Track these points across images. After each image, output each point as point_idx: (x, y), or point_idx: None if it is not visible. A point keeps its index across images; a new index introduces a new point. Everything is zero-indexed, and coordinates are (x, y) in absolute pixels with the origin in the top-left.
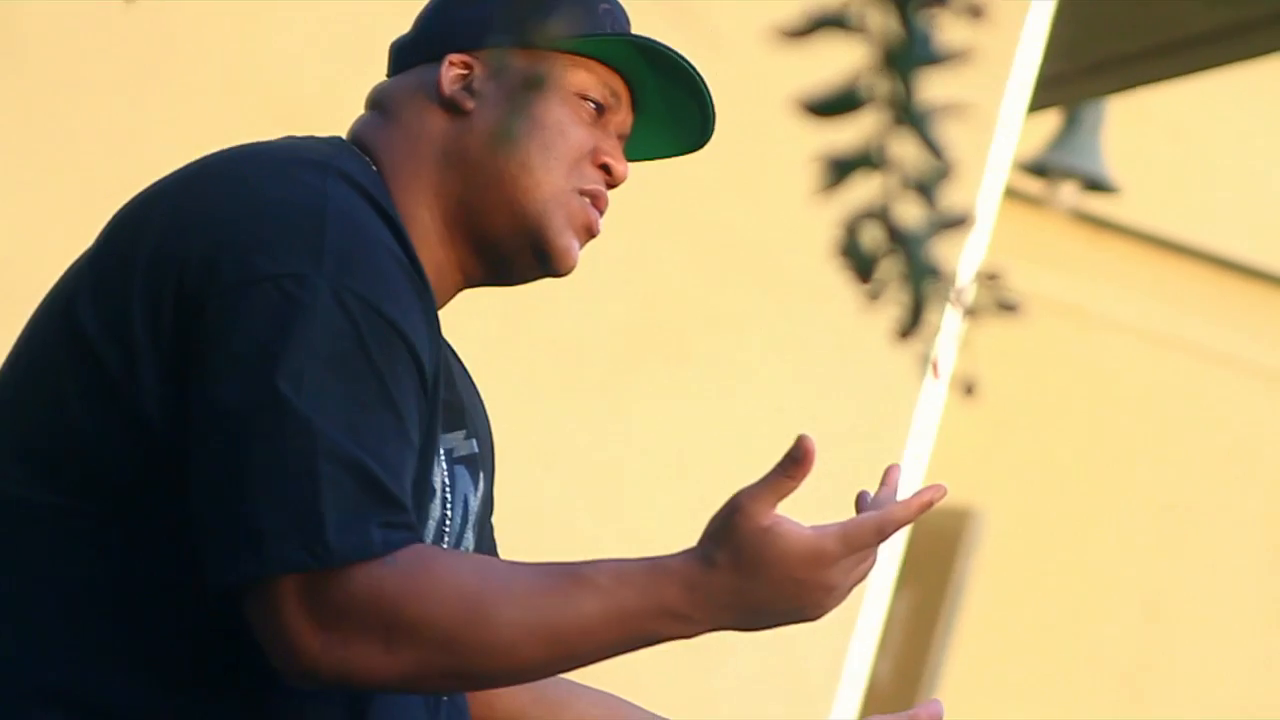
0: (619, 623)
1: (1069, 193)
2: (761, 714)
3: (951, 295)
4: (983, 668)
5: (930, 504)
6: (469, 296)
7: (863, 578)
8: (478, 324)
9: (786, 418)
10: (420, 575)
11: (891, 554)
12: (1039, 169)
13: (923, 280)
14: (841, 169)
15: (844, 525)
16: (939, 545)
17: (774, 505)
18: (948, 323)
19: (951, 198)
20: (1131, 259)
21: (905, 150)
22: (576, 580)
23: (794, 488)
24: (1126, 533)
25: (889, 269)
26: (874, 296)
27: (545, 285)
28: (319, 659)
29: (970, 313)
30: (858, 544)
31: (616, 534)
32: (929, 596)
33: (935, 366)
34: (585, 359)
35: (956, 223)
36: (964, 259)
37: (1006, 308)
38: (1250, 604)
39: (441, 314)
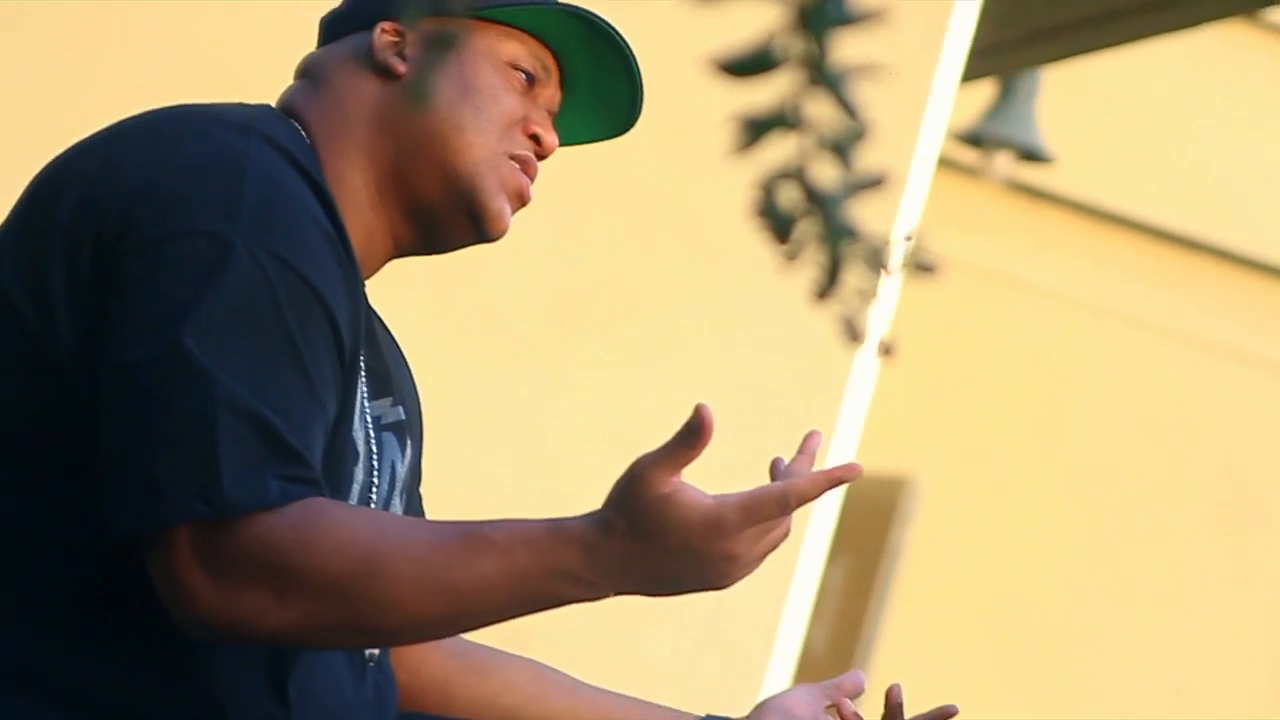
0: (515, 582)
1: (1004, 162)
2: (694, 681)
3: (870, 256)
4: (917, 635)
5: (840, 481)
6: (400, 266)
7: (773, 547)
8: (410, 293)
9: (719, 385)
10: (312, 526)
11: (825, 522)
12: (974, 139)
13: (839, 241)
14: (757, 129)
15: (746, 495)
16: (873, 513)
17: (674, 473)
18: (869, 286)
19: (872, 160)
20: (1066, 229)
21: (821, 111)
22: (474, 538)
23: (694, 457)
24: (1060, 501)
25: (806, 230)
26: (791, 257)
27: (476, 254)
28: (211, 609)
29: (889, 273)
30: (759, 515)
31: (549, 501)
32: (863, 564)
33: (859, 331)
34: (517, 327)
35: (873, 183)
36: (897, 227)
37: (924, 268)
38: (1185, 570)
39: (372, 283)
